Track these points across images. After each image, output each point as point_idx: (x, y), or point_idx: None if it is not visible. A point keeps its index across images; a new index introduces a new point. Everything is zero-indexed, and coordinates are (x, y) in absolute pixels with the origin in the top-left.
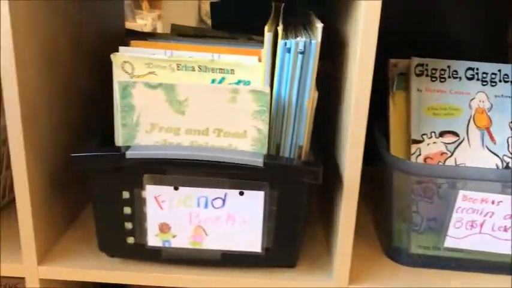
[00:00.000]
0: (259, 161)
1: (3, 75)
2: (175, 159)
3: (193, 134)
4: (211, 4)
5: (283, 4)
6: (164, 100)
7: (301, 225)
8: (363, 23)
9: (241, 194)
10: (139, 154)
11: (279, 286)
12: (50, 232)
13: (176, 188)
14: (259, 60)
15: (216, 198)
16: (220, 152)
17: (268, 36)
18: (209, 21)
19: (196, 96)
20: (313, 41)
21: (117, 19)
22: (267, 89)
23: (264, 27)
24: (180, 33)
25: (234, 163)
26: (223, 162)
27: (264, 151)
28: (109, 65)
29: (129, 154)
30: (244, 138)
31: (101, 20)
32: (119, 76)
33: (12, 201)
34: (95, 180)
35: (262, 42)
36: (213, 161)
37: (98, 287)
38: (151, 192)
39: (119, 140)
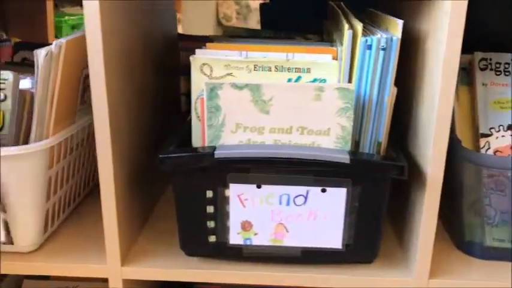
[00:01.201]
0: (345, 158)
1: (92, 77)
2: (262, 157)
3: (277, 132)
4: (261, 5)
5: (341, 3)
6: (250, 100)
7: (382, 220)
8: (449, 23)
9: (324, 191)
10: (227, 154)
11: (359, 282)
12: (130, 233)
13: (259, 186)
14: (334, 58)
15: (298, 196)
16: (308, 150)
17: (349, 33)
18: (227, 23)
19: (281, 95)
20: (394, 38)
21: (171, 23)
22: (353, 86)
23: (313, 26)
24: (231, 35)
25: (318, 160)
26: (308, 159)
27: (348, 148)
28: (169, 68)
29: (218, 154)
30: (327, 135)
31: (161, 25)
32: (197, 78)
33: (80, 205)
34: (179, 180)
35: (319, 41)
36: (298, 159)
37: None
38: (235, 190)
39: (199, 141)
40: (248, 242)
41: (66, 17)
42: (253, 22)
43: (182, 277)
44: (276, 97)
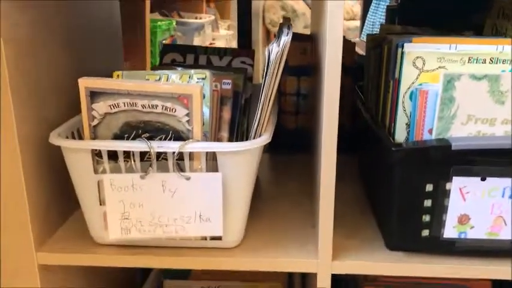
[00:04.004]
0: None
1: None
2: (501, 149)
3: (509, 124)
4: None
5: None
6: (486, 91)
7: None
8: None
9: None
10: (466, 145)
11: None
12: None
13: (483, 179)
14: None
15: None
16: None
17: None
18: (273, 28)
19: None
20: None
21: None
22: None
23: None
24: (387, 33)
25: None
26: None
27: None
28: None
29: (455, 146)
30: None
31: None
32: (408, 71)
33: None
34: (399, 174)
35: (477, 35)
36: None
37: None
38: (458, 183)
39: (403, 134)
40: (462, 236)
41: (159, 22)
42: (299, 27)
43: (391, 271)
44: None
